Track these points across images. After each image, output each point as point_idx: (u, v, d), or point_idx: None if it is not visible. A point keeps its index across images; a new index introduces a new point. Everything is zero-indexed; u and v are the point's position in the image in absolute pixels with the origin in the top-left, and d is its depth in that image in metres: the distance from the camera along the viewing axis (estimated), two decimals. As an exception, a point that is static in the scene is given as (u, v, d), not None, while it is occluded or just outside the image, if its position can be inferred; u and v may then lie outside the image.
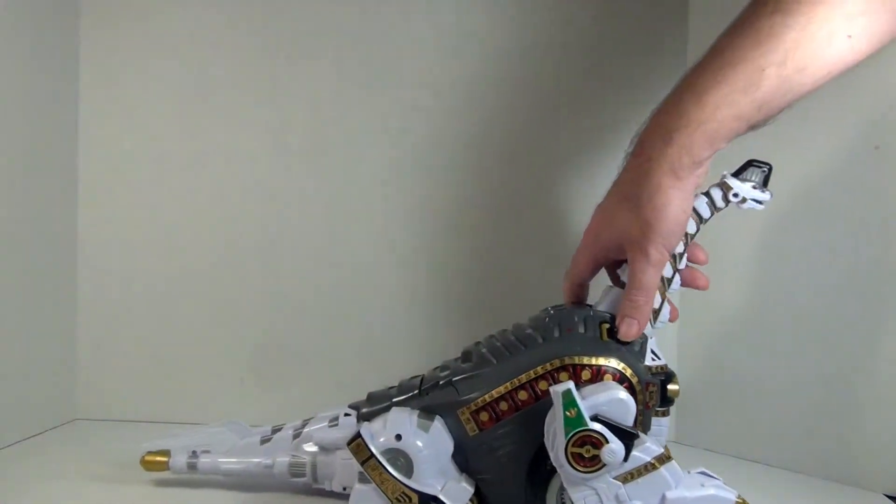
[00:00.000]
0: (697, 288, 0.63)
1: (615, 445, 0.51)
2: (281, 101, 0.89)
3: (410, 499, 0.56)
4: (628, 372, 0.56)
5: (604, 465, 0.51)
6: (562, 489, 0.55)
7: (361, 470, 0.56)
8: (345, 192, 0.90)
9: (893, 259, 0.69)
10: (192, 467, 0.66)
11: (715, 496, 0.52)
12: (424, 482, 0.57)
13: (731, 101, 0.54)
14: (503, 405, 0.57)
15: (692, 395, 0.74)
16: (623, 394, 0.53)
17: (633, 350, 0.57)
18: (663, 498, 0.52)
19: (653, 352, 0.61)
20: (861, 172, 0.72)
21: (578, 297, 0.66)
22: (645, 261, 0.57)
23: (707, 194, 0.60)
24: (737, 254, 0.80)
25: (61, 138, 0.87)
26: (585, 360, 0.56)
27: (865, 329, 0.71)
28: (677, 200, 0.56)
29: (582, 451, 0.51)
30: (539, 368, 0.57)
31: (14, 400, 0.78)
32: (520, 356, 0.58)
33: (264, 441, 0.65)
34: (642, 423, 0.56)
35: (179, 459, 0.66)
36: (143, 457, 0.66)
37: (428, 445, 0.57)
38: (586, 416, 0.51)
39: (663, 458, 0.52)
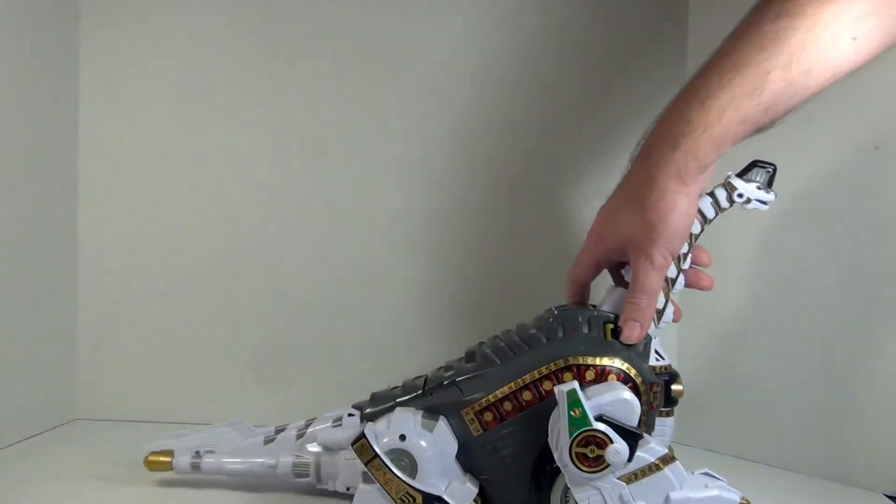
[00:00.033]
0: (702, 289, 0.63)
1: (619, 446, 0.51)
2: (281, 101, 0.89)
3: (414, 499, 0.56)
4: (632, 372, 0.56)
5: (608, 465, 0.51)
6: (566, 489, 0.55)
7: (365, 470, 0.56)
8: (345, 192, 0.90)
9: (893, 259, 0.70)
10: (195, 467, 0.66)
11: (719, 497, 0.52)
12: (428, 482, 0.57)
13: (737, 104, 0.54)
14: (507, 405, 0.57)
15: (692, 394, 0.73)
16: (627, 394, 0.53)
17: (637, 350, 0.57)
18: (667, 499, 0.52)
19: (657, 352, 0.61)
20: (861, 173, 0.72)
21: (581, 298, 0.66)
22: (649, 265, 0.57)
23: (711, 195, 0.60)
24: (737, 254, 0.80)
25: (61, 138, 0.86)
26: (590, 361, 0.56)
27: (865, 329, 0.72)
28: (682, 205, 0.56)
29: (586, 451, 0.51)
30: (543, 368, 0.57)
31: (14, 400, 0.78)
32: (524, 356, 0.58)
33: (268, 441, 0.66)
34: (646, 423, 0.57)
35: (183, 460, 0.66)
36: (147, 457, 0.66)
37: (432, 445, 0.57)
38: (591, 416, 0.51)
39: (667, 459, 0.52)
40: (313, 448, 0.64)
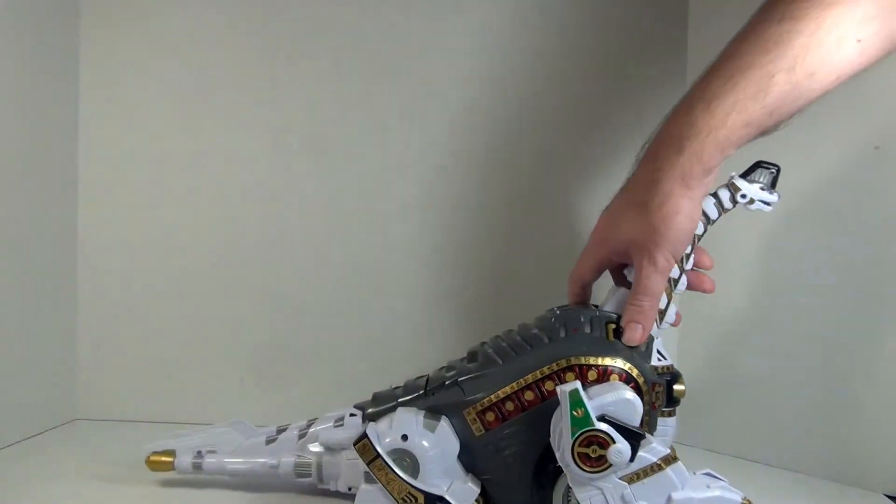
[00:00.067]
0: (704, 291, 0.63)
1: (622, 446, 0.51)
2: (281, 101, 0.89)
3: (416, 499, 0.56)
4: (634, 372, 0.56)
5: (610, 465, 0.51)
6: (568, 489, 0.55)
7: (367, 470, 0.56)
8: (345, 192, 0.90)
9: (893, 259, 0.70)
10: (197, 467, 0.66)
11: (721, 497, 0.52)
12: (430, 482, 0.57)
13: (741, 107, 0.54)
14: (509, 405, 0.57)
15: (692, 394, 0.73)
16: (630, 394, 0.53)
17: (639, 350, 0.58)
18: (669, 499, 0.52)
19: (659, 352, 0.61)
20: (861, 174, 0.72)
21: (582, 298, 0.66)
22: (652, 267, 0.57)
23: (715, 195, 0.60)
24: (737, 254, 0.80)
25: (61, 138, 0.86)
26: (592, 361, 0.56)
27: (865, 329, 0.72)
28: (686, 209, 0.56)
29: (588, 451, 0.51)
30: (545, 368, 0.57)
31: (14, 400, 0.78)
32: (526, 356, 0.58)
33: (269, 441, 0.66)
34: (648, 423, 0.56)
35: (185, 460, 0.66)
36: (149, 457, 0.66)
37: (434, 446, 0.57)
38: (593, 416, 0.51)
39: (669, 459, 0.52)
40: (315, 448, 0.64)
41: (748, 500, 0.53)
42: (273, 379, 0.89)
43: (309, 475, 0.64)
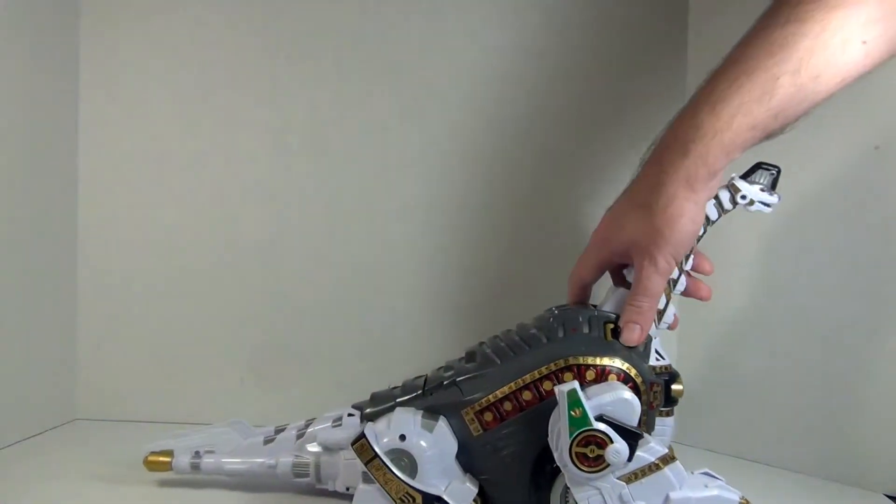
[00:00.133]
0: (700, 299, 0.63)
1: (620, 445, 0.51)
2: (281, 101, 0.89)
3: (414, 499, 0.56)
4: (633, 372, 0.56)
5: (608, 465, 0.51)
6: (566, 489, 0.55)
7: (365, 470, 0.56)
8: (345, 192, 0.90)
9: (894, 259, 0.70)
10: (195, 467, 0.66)
11: (719, 497, 0.52)
12: (428, 482, 0.57)
13: (747, 110, 0.54)
14: (507, 405, 0.57)
15: (692, 394, 0.74)
16: (628, 394, 0.53)
17: (637, 350, 0.57)
18: (667, 498, 0.52)
19: (657, 352, 0.61)
20: (862, 174, 0.72)
21: (582, 298, 0.66)
22: (653, 268, 0.57)
23: (715, 196, 0.60)
24: (737, 254, 0.80)
25: (61, 138, 0.86)
26: (590, 360, 0.56)
27: (865, 329, 0.72)
28: (690, 212, 0.56)
29: (586, 450, 0.51)
30: (543, 368, 0.57)
31: (14, 400, 0.78)
32: (524, 356, 0.58)
33: (268, 441, 0.66)
34: (646, 423, 0.56)
35: (183, 460, 0.66)
36: (147, 457, 0.66)
37: (432, 445, 0.57)
38: (591, 415, 0.51)
39: (667, 459, 0.52)
40: (313, 448, 0.64)
41: (746, 500, 0.53)
42: (273, 379, 0.89)
43: (307, 475, 0.64)
